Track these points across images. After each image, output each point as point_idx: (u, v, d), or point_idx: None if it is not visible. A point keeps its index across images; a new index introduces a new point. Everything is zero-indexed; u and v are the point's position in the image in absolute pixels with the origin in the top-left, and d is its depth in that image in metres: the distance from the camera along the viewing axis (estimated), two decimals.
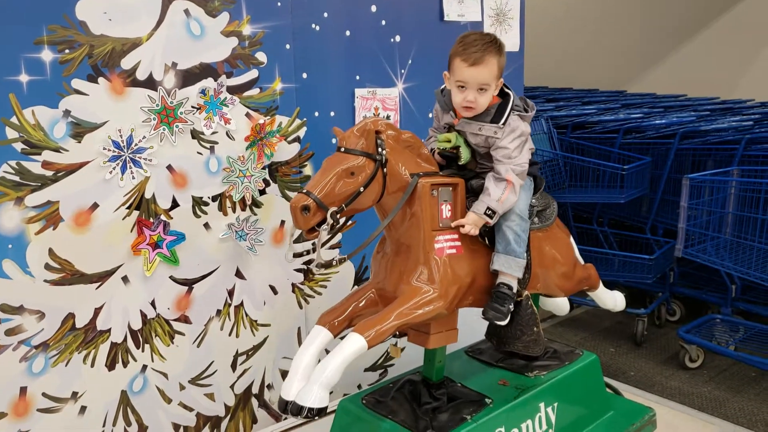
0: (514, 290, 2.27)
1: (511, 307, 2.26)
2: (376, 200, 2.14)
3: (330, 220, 2.00)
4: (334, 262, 2.15)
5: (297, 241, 2.74)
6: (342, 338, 2.05)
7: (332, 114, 2.83)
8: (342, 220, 2.17)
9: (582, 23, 8.73)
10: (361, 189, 2.05)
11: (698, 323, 3.93)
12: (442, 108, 2.36)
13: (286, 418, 2.90)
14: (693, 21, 7.82)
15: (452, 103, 2.26)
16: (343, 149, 2.08)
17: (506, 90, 2.28)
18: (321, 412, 1.96)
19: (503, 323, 2.26)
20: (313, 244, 2.11)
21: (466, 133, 2.27)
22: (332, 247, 2.94)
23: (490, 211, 2.19)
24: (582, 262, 2.75)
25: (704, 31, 7.79)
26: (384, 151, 2.08)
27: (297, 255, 2.17)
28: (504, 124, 2.21)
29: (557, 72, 8.37)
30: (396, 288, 2.17)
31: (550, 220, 2.55)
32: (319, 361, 2.04)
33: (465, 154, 2.28)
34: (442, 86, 2.33)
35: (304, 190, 1.99)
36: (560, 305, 2.90)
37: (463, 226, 2.18)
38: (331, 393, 2.01)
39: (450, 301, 2.15)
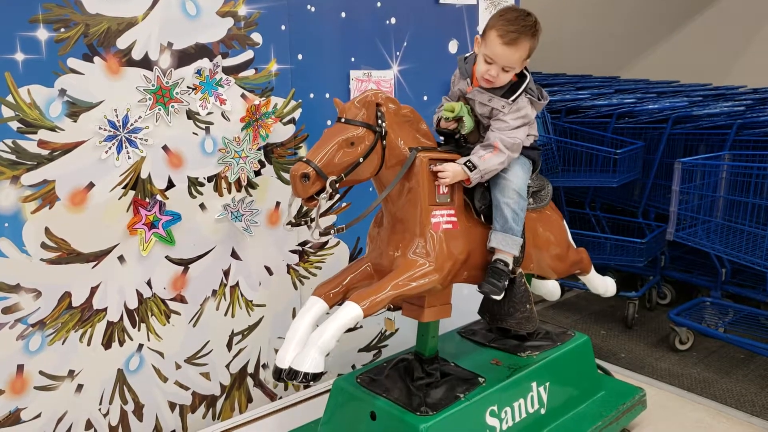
0: (510, 267, 2.30)
1: (507, 283, 2.29)
2: (375, 172, 2.16)
3: (329, 189, 2.02)
4: (331, 231, 2.17)
5: (296, 217, 2.75)
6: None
7: (327, 96, 2.84)
8: (340, 192, 2.20)
9: (576, 9, 8.72)
10: (361, 160, 2.07)
11: (688, 306, 3.98)
12: (461, 74, 2.39)
13: (281, 398, 2.93)
14: (686, 7, 7.82)
15: (473, 70, 2.31)
16: (343, 120, 2.10)
17: (525, 71, 2.32)
18: (317, 377, 1.98)
19: (498, 298, 2.29)
20: (311, 217, 2.12)
21: (475, 102, 2.31)
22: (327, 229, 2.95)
23: (470, 164, 2.21)
24: (574, 246, 2.78)
25: (697, 17, 7.80)
26: (384, 123, 2.10)
27: (295, 224, 2.19)
28: (513, 101, 2.25)
29: (551, 57, 8.34)
30: (392, 261, 2.20)
31: (544, 201, 2.58)
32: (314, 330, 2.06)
33: (468, 123, 2.31)
34: (467, 54, 2.38)
35: (304, 159, 2.02)
36: (551, 290, 2.93)
37: (442, 171, 2.19)
38: (325, 373, 2.03)
39: (445, 275, 2.18)
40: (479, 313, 2.54)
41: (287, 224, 2.18)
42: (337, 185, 2.05)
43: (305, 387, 2.91)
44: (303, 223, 2.21)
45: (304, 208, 2.81)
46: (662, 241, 4.28)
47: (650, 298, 4.56)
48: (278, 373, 2.04)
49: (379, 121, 2.10)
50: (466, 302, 2.72)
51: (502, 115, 2.26)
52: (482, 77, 2.26)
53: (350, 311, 2.02)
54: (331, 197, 2.07)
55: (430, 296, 2.23)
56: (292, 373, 1.98)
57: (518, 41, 2.19)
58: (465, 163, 2.21)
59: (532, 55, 2.26)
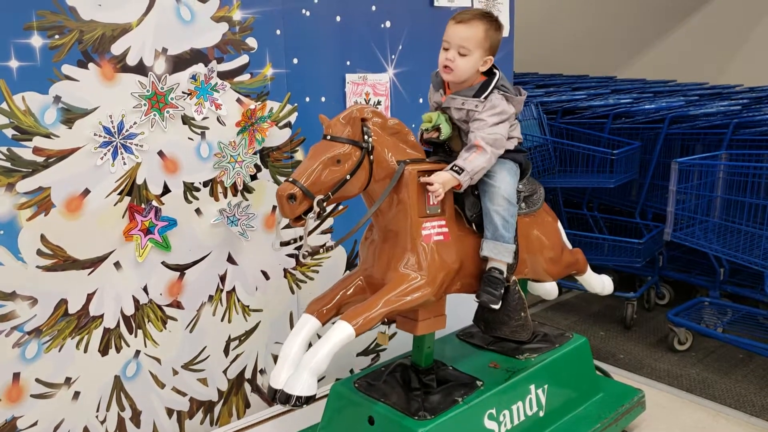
0: (505, 275, 2.29)
1: (503, 291, 2.28)
2: (363, 188, 2.15)
3: (316, 209, 2.01)
4: (321, 250, 2.17)
5: (285, 228, 2.75)
6: (333, 323, 2.07)
7: (323, 99, 2.84)
8: (329, 209, 2.18)
9: (572, 9, 8.73)
10: (348, 177, 2.06)
11: (687, 306, 3.97)
12: (434, 87, 2.40)
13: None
14: (683, 6, 7.83)
15: (444, 81, 2.33)
16: (329, 137, 2.09)
17: (494, 70, 2.32)
18: (309, 400, 1.99)
19: (496, 307, 2.28)
20: (300, 236, 2.12)
21: (451, 108, 2.31)
22: (324, 232, 2.95)
23: (457, 168, 2.19)
24: (570, 246, 2.77)
25: (694, 16, 7.80)
26: (370, 139, 2.10)
27: (284, 243, 2.19)
28: (485, 98, 2.25)
29: (547, 58, 8.37)
30: (384, 275, 2.18)
31: (537, 205, 2.56)
32: (308, 348, 2.06)
33: (445, 129, 2.32)
34: (437, 70, 2.38)
35: (290, 179, 2.01)
36: (549, 290, 2.93)
37: (431, 184, 2.16)
38: (321, 379, 2.03)
39: (438, 287, 2.17)
40: (474, 322, 2.53)
41: (279, 244, 2.18)
42: (325, 204, 2.04)
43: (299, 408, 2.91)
44: (293, 242, 2.21)
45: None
46: (660, 242, 4.28)
47: (648, 299, 4.55)
48: (273, 393, 2.05)
49: (366, 137, 2.09)
50: (464, 305, 2.71)
51: (477, 114, 2.26)
52: (442, 66, 2.27)
53: (342, 331, 2.01)
54: (319, 216, 2.06)
55: (423, 309, 2.22)
56: (285, 396, 1.98)
57: (470, 20, 2.22)
58: (452, 168, 2.19)
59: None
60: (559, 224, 2.72)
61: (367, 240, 2.34)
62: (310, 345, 2.12)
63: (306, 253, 2.11)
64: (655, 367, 3.73)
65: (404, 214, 2.18)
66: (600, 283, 2.94)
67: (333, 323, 2.09)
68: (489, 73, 2.32)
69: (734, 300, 4.15)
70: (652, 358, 3.85)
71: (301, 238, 2.11)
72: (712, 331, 3.73)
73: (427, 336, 2.37)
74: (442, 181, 2.16)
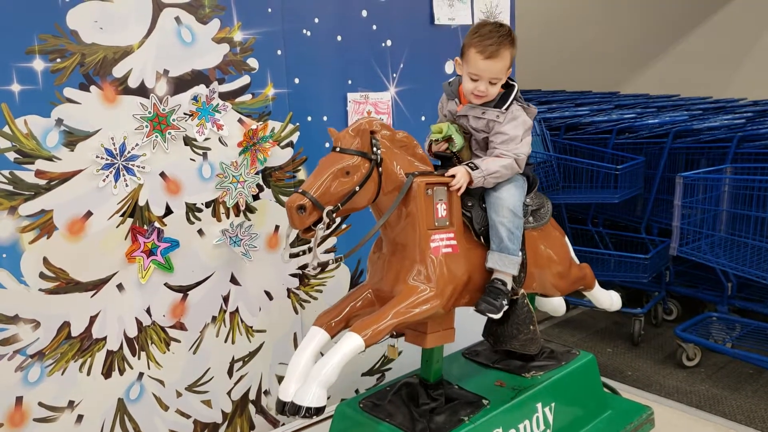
0: (509, 286, 2.28)
1: (505, 302, 2.27)
2: (372, 200, 2.15)
3: (326, 219, 2.01)
4: (330, 262, 2.16)
5: (293, 243, 2.74)
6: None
7: (325, 118, 2.84)
8: (338, 220, 2.17)
9: (574, 25, 8.76)
10: (357, 188, 2.07)
11: (695, 322, 3.94)
12: (448, 96, 2.42)
13: (283, 424, 2.90)
14: (685, 21, 7.85)
15: (458, 91, 2.36)
16: (338, 149, 2.10)
17: (511, 81, 2.36)
18: (319, 411, 1.97)
19: (496, 317, 2.27)
20: (309, 247, 2.12)
21: (469, 117, 2.33)
22: (327, 252, 2.94)
23: (472, 164, 2.21)
24: (577, 262, 2.76)
25: (697, 30, 7.82)
26: (379, 151, 2.11)
27: (293, 255, 2.18)
28: (506, 109, 2.28)
29: (550, 74, 8.40)
30: (393, 288, 2.18)
31: (544, 219, 2.56)
32: (316, 361, 2.04)
33: (458, 140, 2.32)
34: (450, 80, 2.42)
35: (300, 190, 2.02)
36: (556, 306, 2.91)
37: (453, 176, 2.19)
38: (328, 398, 2.00)
39: (446, 299, 2.16)
40: (483, 336, 2.52)
41: (288, 256, 2.17)
42: (334, 215, 2.05)
43: (308, 420, 2.88)
44: (301, 253, 2.20)
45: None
46: (666, 257, 4.26)
47: (656, 315, 4.52)
48: (281, 406, 2.03)
49: (374, 149, 2.10)
50: (470, 323, 2.69)
51: (499, 126, 2.28)
52: (471, 93, 2.29)
53: (351, 342, 2.00)
54: (328, 227, 2.06)
55: (432, 321, 2.21)
56: (294, 408, 1.96)
57: (498, 53, 2.23)
58: (468, 164, 2.22)
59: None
60: (567, 239, 2.71)
61: (376, 253, 2.34)
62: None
63: (315, 265, 2.11)
64: (664, 384, 3.70)
65: (413, 227, 2.18)
66: (608, 299, 2.93)
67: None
68: (506, 85, 2.35)
69: (743, 315, 4.12)
70: (660, 375, 3.82)
71: (310, 249, 2.11)
72: (720, 347, 3.70)
73: (436, 349, 2.36)
74: (460, 175, 2.19)
